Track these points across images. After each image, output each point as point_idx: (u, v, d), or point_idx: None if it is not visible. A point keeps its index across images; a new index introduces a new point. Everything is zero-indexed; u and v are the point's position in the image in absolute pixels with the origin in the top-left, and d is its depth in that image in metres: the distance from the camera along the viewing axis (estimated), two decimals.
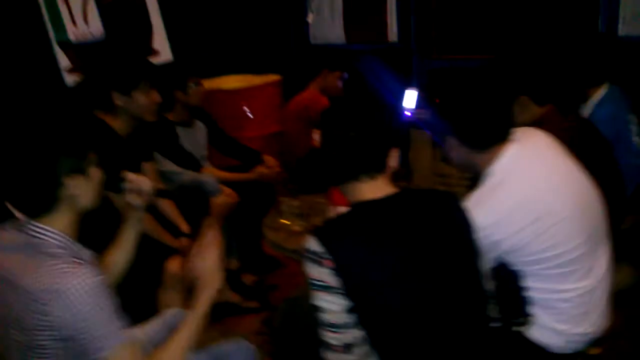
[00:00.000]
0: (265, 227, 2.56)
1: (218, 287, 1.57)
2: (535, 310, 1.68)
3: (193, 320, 1.53)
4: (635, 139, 2.68)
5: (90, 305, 1.33)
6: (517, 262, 1.66)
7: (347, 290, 1.36)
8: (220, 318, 2.94)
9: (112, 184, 1.69)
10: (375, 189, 1.46)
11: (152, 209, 2.69)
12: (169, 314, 1.92)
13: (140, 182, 1.74)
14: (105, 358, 1.35)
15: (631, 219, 2.42)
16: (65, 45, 3.28)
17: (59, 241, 1.44)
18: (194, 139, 3.40)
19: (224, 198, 3.01)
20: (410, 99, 3.92)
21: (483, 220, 1.50)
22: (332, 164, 1.49)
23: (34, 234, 1.43)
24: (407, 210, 1.44)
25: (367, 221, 1.42)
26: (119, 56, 2.50)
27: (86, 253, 1.54)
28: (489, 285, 1.54)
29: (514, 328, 1.70)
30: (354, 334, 1.40)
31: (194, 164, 3.28)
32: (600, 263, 1.71)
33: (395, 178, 1.51)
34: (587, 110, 2.68)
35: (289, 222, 2.50)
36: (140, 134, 2.60)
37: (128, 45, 3.58)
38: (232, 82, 4.27)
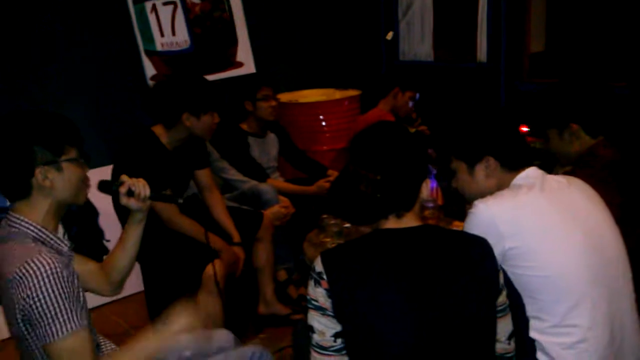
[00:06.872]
0: (306, 243, 2.57)
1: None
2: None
3: (161, 339, 1.56)
4: None
5: (49, 292, 1.37)
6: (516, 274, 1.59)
7: (337, 314, 1.35)
8: (264, 328, 3.01)
9: (107, 186, 1.74)
10: (399, 223, 1.43)
11: (206, 216, 2.80)
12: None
13: (135, 186, 1.70)
14: (55, 342, 1.39)
15: None
16: (152, 53, 3.51)
17: (34, 232, 1.51)
18: (265, 150, 3.50)
19: (277, 208, 3.07)
20: None
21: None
22: (357, 207, 1.45)
23: (12, 224, 1.51)
24: (419, 245, 1.39)
25: (375, 249, 1.39)
26: (197, 81, 2.64)
27: (65, 245, 1.58)
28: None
29: None
30: (341, 359, 1.37)
31: (260, 174, 3.37)
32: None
33: None
34: None
35: (328, 240, 2.48)
36: (192, 144, 2.72)
37: (211, 57, 3.74)
38: (313, 95, 4.33)
